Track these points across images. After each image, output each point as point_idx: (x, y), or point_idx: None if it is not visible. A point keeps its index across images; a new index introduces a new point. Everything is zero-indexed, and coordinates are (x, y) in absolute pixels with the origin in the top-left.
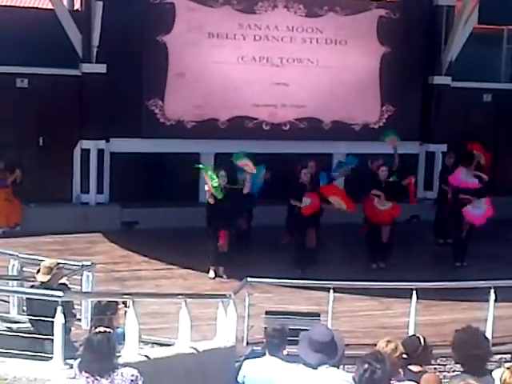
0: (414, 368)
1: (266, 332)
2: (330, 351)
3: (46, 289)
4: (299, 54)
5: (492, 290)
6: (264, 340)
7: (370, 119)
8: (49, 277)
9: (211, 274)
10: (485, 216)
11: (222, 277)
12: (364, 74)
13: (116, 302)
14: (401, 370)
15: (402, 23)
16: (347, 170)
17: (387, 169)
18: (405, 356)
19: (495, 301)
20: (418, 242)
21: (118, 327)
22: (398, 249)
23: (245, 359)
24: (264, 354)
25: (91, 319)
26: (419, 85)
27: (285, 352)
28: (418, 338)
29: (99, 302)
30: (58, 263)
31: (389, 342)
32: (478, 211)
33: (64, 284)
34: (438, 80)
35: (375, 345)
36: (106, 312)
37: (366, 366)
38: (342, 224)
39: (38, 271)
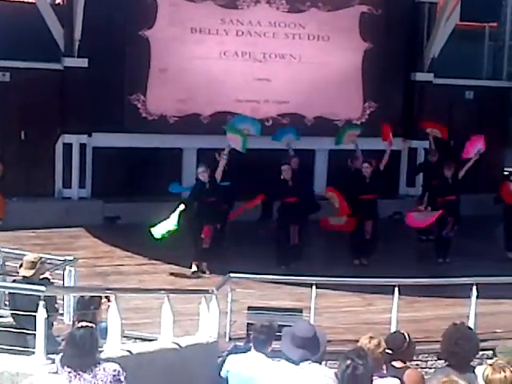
0: (397, 364)
1: (254, 327)
2: (312, 347)
3: (29, 283)
4: (282, 50)
5: (474, 287)
6: (250, 335)
7: (353, 115)
8: (32, 271)
9: (193, 268)
10: (425, 223)
11: (204, 272)
12: (346, 69)
13: (99, 296)
14: (384, 366)
15: (385, 19)
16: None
17: (368, 165)
18: (389, 352)
19: (477, 297)
20: (401, 239)
21: (101, 322)
22: (381, 245)
23: (228, 354)
24: (249, 350)
25: (74, 314)
26: (401, 81)
27: (270, 348)
28: (403, 333)
29: (82, 296)
30: (41, 258)
31: (371, 338)
32: (421, 218)
33: (46, 278)
34: (421, 77)
35: (357, 341)
36: (89, 306)
37: (349, 361)
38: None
39: (21, 266)
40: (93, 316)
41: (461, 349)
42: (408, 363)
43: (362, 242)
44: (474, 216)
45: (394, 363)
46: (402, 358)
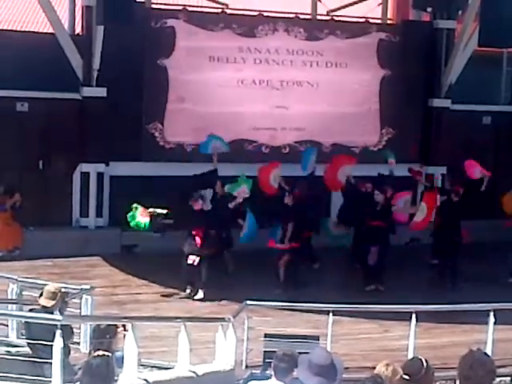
0: None
1: (276, 355)
2: (329, 374)
3: (47, 313)
4: (299, 77)
5: (492, 313)
6: (267, 363)
7: (370, 142)
8: (53, 302)
9: (200, 294)
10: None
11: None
12: (364, 96)
13: (115, 325)
14: None
15: (402, 46)
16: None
17: (380, 192)
18: (406, 377)
19: (495, 323)
20: (417, 265)
21: (117, 351)
22: (396, 271)
23: (244, 382)
24: (270, 377)
25: (91, 342)
26: (419, 107)
27: (290, 377)
28: (420, 359)
29: (98, 325)
30: (62, 288)
31: (388, 365)
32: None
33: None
34: (438, 103)
35: (374, 368)
36: (105, 335)
37: None
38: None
39: (41, 295)
40: (109, 345)
41: (474, 373)
42: None
43: (370, 268)
44: (491, 242)
45: None
46: None
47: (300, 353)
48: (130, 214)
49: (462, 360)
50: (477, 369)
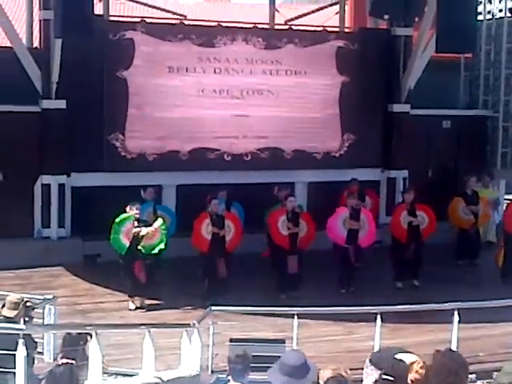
0: None
1: (230, 359)
2: (298, 375)
3: (10, 323)
4: (259, 86)
5: (456, 312)
6: (227, 367)
7: (332, 148)
8: (15, 312)
9: (131, 305)
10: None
11: (141, 307)
12: (324, 103)
13: (87, 333)
14: None
15: (361, 53)
16: None
17: (294, 198)
18: (391, 379)
19: (459, 322)
20: (382, 266)
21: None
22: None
23: None
24: (228, 381)
25: (61, 351)
26: (379, 113)
27: (247, 377)
28: (401, 360)
29: (69, 333)
30: (24, 299)
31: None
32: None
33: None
34: (398, 108)
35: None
36: (78, 342)
37: None
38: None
39: (3, 306)
40: (83, 352)
41: (460, 379)
42: None
43: (287, 277)
44: (444, 243)
45: None
46: None
47: (266, 356)
48: (114, 228)
49: (441, 366)
50: (462, 374)
